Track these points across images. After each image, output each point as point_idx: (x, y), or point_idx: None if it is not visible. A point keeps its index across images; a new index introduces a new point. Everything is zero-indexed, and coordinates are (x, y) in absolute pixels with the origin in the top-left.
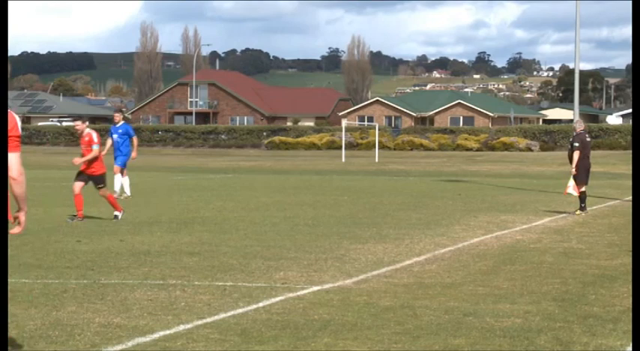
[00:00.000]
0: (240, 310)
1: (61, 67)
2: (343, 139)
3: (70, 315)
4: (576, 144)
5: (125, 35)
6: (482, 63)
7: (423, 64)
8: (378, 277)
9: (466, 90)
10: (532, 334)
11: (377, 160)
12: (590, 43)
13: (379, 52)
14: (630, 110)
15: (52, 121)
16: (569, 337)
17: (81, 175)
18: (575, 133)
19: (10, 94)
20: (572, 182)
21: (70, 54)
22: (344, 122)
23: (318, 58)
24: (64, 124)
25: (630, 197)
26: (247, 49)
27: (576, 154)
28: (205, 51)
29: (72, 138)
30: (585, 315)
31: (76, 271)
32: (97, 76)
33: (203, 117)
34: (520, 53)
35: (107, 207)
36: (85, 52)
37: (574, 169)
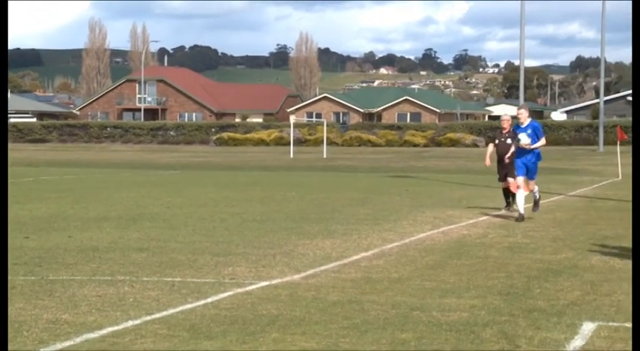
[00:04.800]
0: (188, 306)
1: (9, 64)
2: (291, 135)
3: (18, 312)
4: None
5: (73, 32)
6: (428, 60)
7: (371, 61)
8: (326, 272)
9: (413, 86)
10: (478, 328)
11: (325, 156)
12: (535, 40)
13: (327, 49)
14: (574, 107)
15: None
16: (514, 330)
17: None
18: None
19: None
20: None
21: (17, 50)
22: (292, 118)
23: (267, 54)
24: (12, 120)
25: (575, 192)
26: (196, 46)
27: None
28: (154, 47)
29: (20, 134)
30: (530, 309)
31: (23, 267)
32: (44, 72)
33: (152, 113)
34: (466, 50)
35: (55, 203)
36: (33, 49)
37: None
